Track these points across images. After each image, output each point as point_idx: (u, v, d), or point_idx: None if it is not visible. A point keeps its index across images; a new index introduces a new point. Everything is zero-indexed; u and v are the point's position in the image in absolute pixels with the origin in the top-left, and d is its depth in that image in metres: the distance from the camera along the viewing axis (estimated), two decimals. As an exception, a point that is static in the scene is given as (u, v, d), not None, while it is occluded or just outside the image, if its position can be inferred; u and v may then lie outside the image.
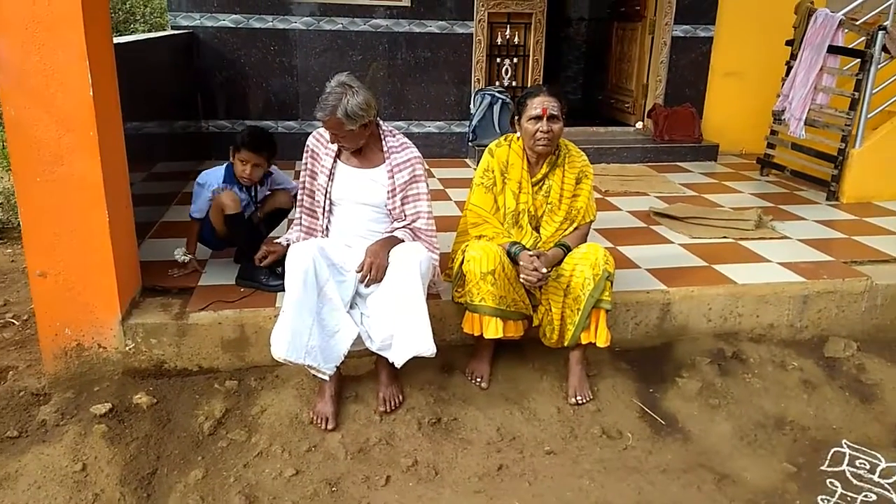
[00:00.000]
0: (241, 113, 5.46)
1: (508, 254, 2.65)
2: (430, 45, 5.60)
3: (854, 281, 3.23)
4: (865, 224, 4.16)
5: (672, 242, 3.74)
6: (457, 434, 2.56)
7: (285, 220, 3.27)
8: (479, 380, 2.78)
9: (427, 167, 2.80)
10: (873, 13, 5.11)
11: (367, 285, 2.57)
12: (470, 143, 5.73)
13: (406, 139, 2.71)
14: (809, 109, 4.80)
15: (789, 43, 5.09)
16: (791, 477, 2.47)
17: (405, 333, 2.46)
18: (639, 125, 6.27)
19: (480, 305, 2.60)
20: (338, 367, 2.51)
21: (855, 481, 2.45)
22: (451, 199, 4.46)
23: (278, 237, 2.91)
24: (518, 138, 2.76)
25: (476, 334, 2.67)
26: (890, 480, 2.45)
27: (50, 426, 2.46)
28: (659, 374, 2.91)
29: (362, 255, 2.58)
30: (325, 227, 2.73)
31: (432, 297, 2.83)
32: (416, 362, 2.52)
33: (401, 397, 2.66)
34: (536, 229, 2.79)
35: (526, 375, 2.84)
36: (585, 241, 2.79)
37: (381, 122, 2.68)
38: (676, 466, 2.49)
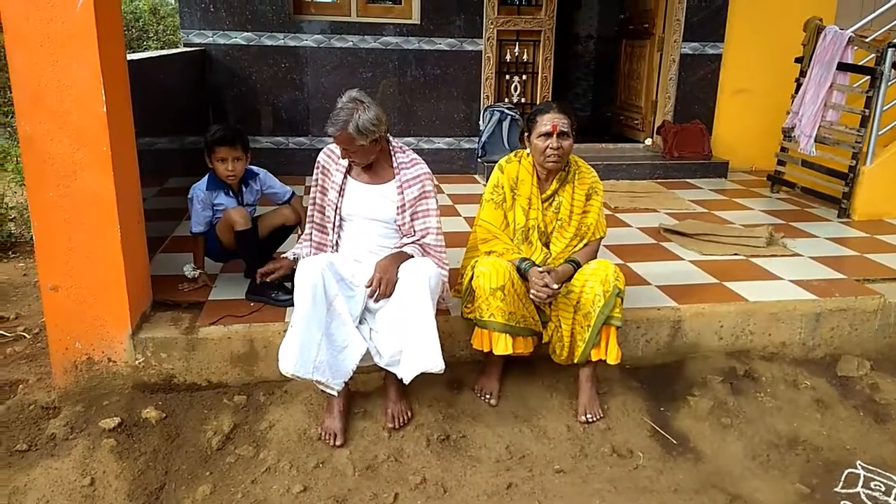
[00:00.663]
0: (252, 129, 5.47)
1: (518, 270, 2.64)
2: (440, 62, 5.65)
3: (867, 299, 3.21)
4: (877, 241, 4.14)
5: (682, 259, 3.73)
6: (465, 451, 2.55)
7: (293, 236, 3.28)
8: (488, 397, 2.77)
9: (436, 183, 2.81)
10: (883, 30, 5.12)
11: (377, 300, 2.57)
12: (479, 160, 5.75)
13: (416, 155, 2.73)
14: (819, 126, 4.79)
15: (798, 60, 5.09)
16: (804, 498, 2.43)
17: (414, 349, 2.46)
18: (648, 142, 6.28)
19: (490, 321, 2.60)
20: (346, 383, 2.51)
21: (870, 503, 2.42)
22: (460, 215, 4.47)
23: (285, 252, 2.92)
24: (528, 154, 2.77)
25: (485, 350, 2.66)
26: (906, 502, 2.42)
27: (59, 440, 2.47)
28: (670, 393, 2.89)
29: (371, 270, 2.58)
30: (334, 242, 2.74)
31: (441, 312, 2.82)
32: (424, 378, 2.51)
33: (409, 413, 2.65)
34: (546, 245, 2.79)
35: (535, 393, 2.82)
36: (595, 258, 2.78)
37: (391, 139, 2.70)
38: (688, 486, 2.46)
